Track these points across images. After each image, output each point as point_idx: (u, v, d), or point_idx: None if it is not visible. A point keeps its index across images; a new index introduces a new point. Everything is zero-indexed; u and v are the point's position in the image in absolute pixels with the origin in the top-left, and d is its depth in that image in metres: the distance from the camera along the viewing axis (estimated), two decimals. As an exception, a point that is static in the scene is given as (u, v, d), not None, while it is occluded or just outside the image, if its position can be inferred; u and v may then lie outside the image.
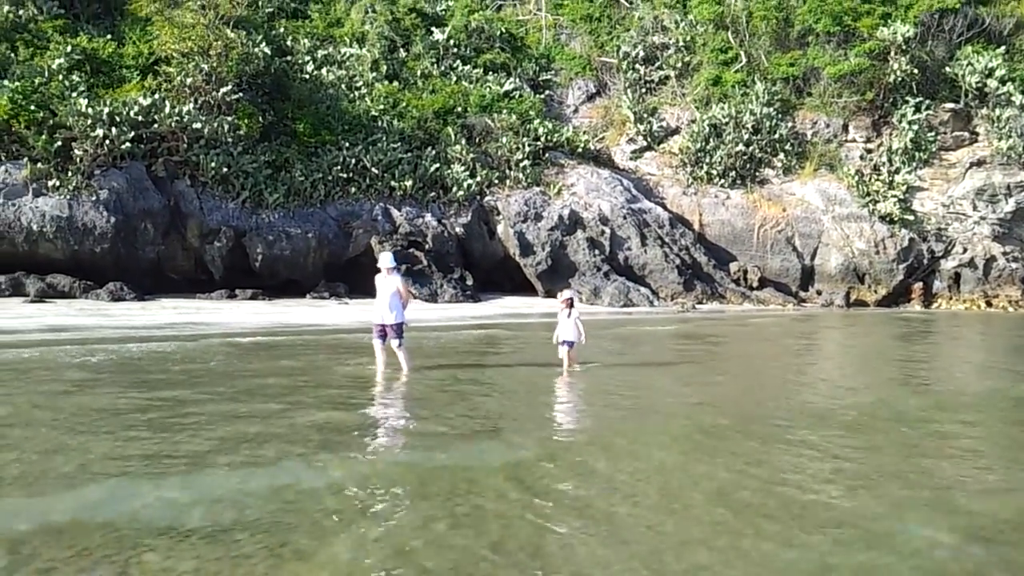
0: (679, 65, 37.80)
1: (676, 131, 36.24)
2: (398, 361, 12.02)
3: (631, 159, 35.73)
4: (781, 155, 34.95)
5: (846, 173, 34.45)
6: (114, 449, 7.28)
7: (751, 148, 34.55)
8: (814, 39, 36.93)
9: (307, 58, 31.87)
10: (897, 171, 34.51)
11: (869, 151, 35.57)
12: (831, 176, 34.87)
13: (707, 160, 34.54)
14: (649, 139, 35.95)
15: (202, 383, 10.84)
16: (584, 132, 35.26)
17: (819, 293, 33.21)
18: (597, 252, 30.32)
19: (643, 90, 37.77)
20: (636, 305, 28.66)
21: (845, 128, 36.13)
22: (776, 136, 34.93)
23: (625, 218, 31.24)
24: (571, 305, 12.61)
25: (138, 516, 5.53)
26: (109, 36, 27.97)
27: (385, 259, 12.05)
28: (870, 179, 34.45)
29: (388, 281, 11.90)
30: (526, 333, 19.85)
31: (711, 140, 34.75)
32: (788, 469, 7.20)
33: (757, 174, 34.91)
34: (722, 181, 34.37)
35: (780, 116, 35.44)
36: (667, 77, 37.90)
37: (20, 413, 8.70)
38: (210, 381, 11.05)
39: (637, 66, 37.92)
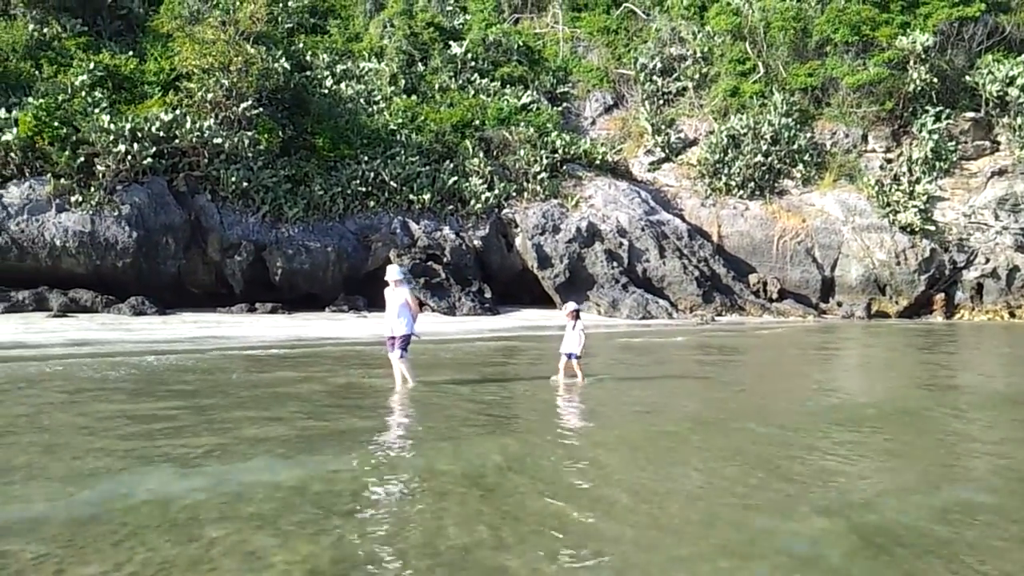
0: (696, 76, 37.84)
1: (694, 142, 36.22)
2: (403, 374, 11.77)
3: (649, 171, 35.72)
4: (800, 166, 34.85)
5: (866, 183, 34.28)
6: (146, 446, 7.76)
7: (770, 159, 34.46)
8: (832, 49, 36.85)
9: (326, 73, 32.13)
10: (918, 181, 34.31)
11: (889, 161, 35.41)
12: (851, 186, 34.70)
13: (725, 171, 34.47)
14: (667, 151, 35.95)
15: (222, 392, 11.16)
16: (602, 144, 35.28)
17: (839, 304, 33.00)
18: (615, 264, 30.28)
19: (661, 102, 37.81)
20: (655, 317, 28.57)
21: (864, 138, 35.98)
22: (795, 147, 34.83)
23: (643, 230, 31.19)
24: (576, 317, 12.52)
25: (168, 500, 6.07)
26: (131, 53, 28.34)
27: (392, 272, 11.93)
28: (890, 189, 34.26)
29: (396, 293, 11.80)
30: (543, 345, 19.82)
31: (729, 151, 34.69)
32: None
33: (776, 185, 34.80)
34: (741, 192, 34.29)
35: (799, 126, 35.34)
36: (685, 88, 37.93)
37: (46, 419, 9.02)
38: (229, 390, 11.24)
39: (654, 78, 37.97)
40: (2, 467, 6.92)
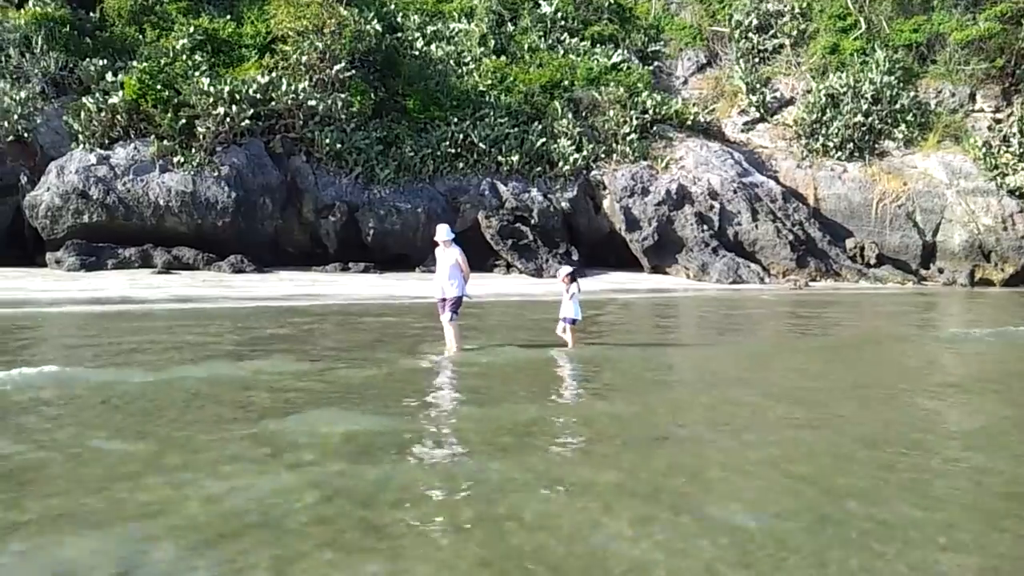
0: (794, 33, 36.56)
1: (790, 102, 35.13)
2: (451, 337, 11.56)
3: (742, 131, 34.85)
4: (902, 126, 33.47)
5: (972, 145, 32.74)
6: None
7: (870, 119, 33.19)
8: (939, 3, 35.20)
9: (417, 34, 32.21)
10: (1029, 142, 32.57)
11: (998, 121, 33.72)
12: (956, 148, 33.21)
13: (823, 132, 33.36)
14: (762, 110, 34.96)
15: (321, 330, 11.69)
16: (694, 104, 34.55)
17: (940, 271, 31.79)
18: (705, 227, 29.77)
19: (756, 60, 36.72)
20: (746, 282, 28.06)
21: (972, 97, 34.31)
22: (897, 106, 33.46)
23: (735, 192, 30.54)
24: (572, 281, 12.14)
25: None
26: (229, 16, 28.95)
27: (442, 231, 11.71)
28: (999, 151, 32.65)
29: (447, 254, 11.58)
30: (628, 309, 19.73)
31: (827, 111, 33.54)
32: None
33: (876, 146, 33.55)
34: (839, 154, 33.16)
35: (902, 85, 33.89)
36: (781, 46, 36.72)
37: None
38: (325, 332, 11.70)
39: (750, 35, 36.85)
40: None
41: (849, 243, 31.78)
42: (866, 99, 33.24)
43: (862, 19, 35.65)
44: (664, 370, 11.62)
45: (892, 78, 33.56)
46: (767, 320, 18.95)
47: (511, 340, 13.08)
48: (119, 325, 14.18)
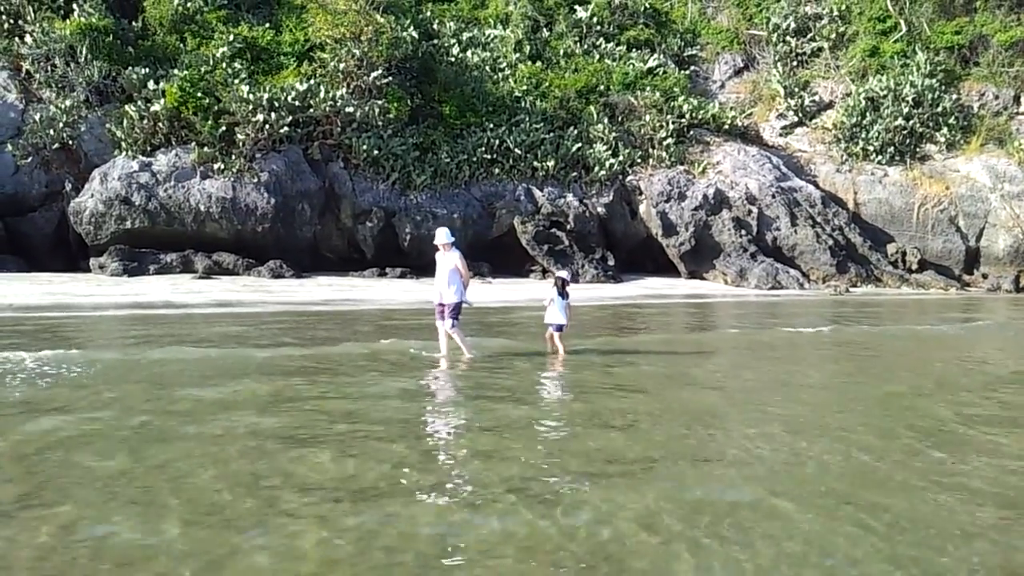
0: (833, 36, 36.14)
1: (829, 105, 34.72)
2: (458, 344, 11.27)
3: (781, 135, 34.50)
4: (944, 129, 32.92)
5: (1017, 148, 32.12)
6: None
7: (911, 122, 32.69)
8: (982, 4, 34.61)
9: (452, 41, 32.32)
10: (1077, 145, 31.89)
11: (1044, 124, 33.01)
12: (1000, 151, 32.60)
13: (863, 136, 32.91)
14: (800, 114, 34.58)
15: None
16: (731, 108, 34.26)
17: (984, 277, 31.21)
18: (743, 232, 29.50)
19: (794, 63, 36.34)
20: (785, 288, 27.76)
21: (1016, 99, 33.69)
22: (939, 109, 32.91)
23: (774, 197, 30.24)
24: (564, 286, 11.75)
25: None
26: (267, 24, 29.29)
27: (441, 235, 11.35)
28: (1045, 154, 31.97)
29: (446, 258, 11.23)
30: (663, 313, 19.59)
31: (868, 114, 33.08)
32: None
33: (918, 150, 33.03)
34: (879, 158, 32.69)
35: (944, 88, 33.35)
36: (820, 49, 36.32)
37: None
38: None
39: (788, 38, 36.48)
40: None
41: (890, 248, 31.31)
42: (907, 102, 32.74)
43: (902, 21, 35.17)
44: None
45: (934, 81, 33.04)
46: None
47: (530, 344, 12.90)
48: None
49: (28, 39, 26.39)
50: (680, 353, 12.90)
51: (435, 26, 32.98)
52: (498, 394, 9.15)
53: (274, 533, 4.73)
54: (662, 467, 6.30)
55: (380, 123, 27.18)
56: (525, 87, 30.93)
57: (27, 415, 7.46)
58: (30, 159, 25.32)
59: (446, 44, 31.99)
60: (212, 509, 5.07)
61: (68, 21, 26.51)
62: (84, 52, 25.99)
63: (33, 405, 7.91)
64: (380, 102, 27.08)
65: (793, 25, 36.49)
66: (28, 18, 27.03)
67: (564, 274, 12.24)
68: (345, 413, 7.93)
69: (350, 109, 26.52)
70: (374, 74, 27.18)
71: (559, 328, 11.77)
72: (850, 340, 15.61)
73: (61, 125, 25.35)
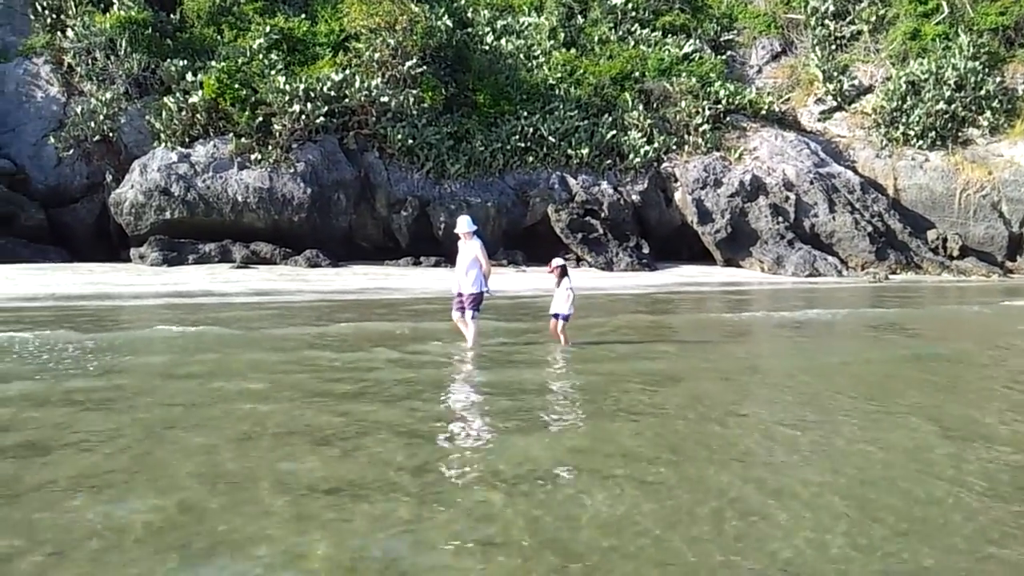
0: (872, 19, 35.46)
1: (869, 90, 34.10)
2: (471, 332, 11.13)
3: (819, 120, 33.99)
4: (988, 113, 32.20)
5: (1064, 131, 31.34)
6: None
7: (953, 106, 32.01)
8: (1029, -16, 33.63)
9: (487, 29, 32.26)
10: None
11: (1092, 107, 32.15)
12: (1046, 135, 31.81)
13: (903, 120, 32.29)
14: (839, 99, 34.03)
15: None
16: (768, 93, 33.84)
17: (1029, 263, 30.58)
18: (780, 219, 29.19)
19: (833, 47, 35.74)
20: (822, 275, 27.44)
21: (1064, 81, 32.79)
22: (982, 92, 32.17)
23: (812, 183, 29.86)
24: (564, 274, 11.29)
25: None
26: (303, 15, 29.46)
27: (462, 223, 11.15)
28: (1093, 138, 31.16)
29: (467, 247, 11.03)
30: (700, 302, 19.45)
31: (908, 98, 32.44)
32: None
33: (960, 134, 32.35)
34: (920, 142, 32.09)
35: (987, 71, 32.58)
36: (859, 32, 35.67)
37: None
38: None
39: (826, 21, 35.88)
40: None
41: (931, 235, 30.79)
42: (949, 85, 32.06)
43: (944, 2, 34.40)
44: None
45: (977, 63, 32.32)
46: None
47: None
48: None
49: (70, 33, 26.86)
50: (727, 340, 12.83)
51: (469, 14, 32.93)
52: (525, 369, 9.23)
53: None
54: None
55: (414, 112, 27.27)
56: (559, 74, 30.81)
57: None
58: (72, 151, 25.83)
59: (480, 32, 31.95)
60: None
61: (108, 15, 26.91)
62: (124, 45, 26.38)
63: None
64: (415, 91, 27.16)
65: (832, 8, 35.86)
66: (69, 12, 27.51)
67: (560, 261, 11.67)
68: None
69: (385, 99, 26.63)
70: (409, 63, 27.25)
71: (564, 317, 11.34)
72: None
73: (102, 117, 25.79)
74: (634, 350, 11.85)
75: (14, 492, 5.18)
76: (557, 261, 11.61)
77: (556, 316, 11.38)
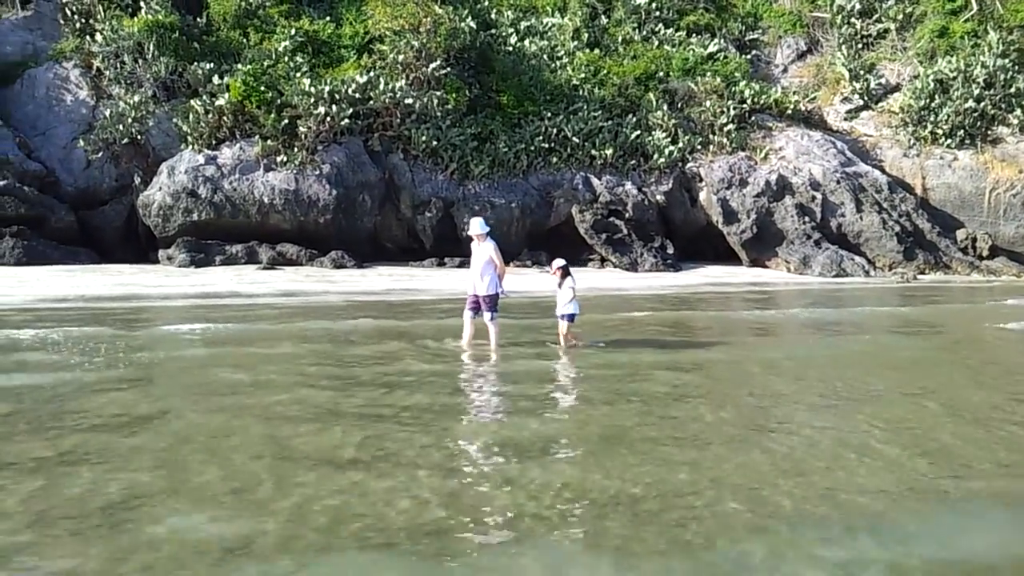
0: (900, 17, 35.11)
1: (896, 88, 33.75)
2: (487, 337, 11.23)
3: (845, 119, 33.68)
4: (1018, 111, 31.74)
5: (1096, 129, 30.84)
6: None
7: (983, 104, 31.59)
8: (1060, -20, 33.16)
9: (510, 30, 32.27)
10: None
11: (1126, 104, 31.62)
12: (1078, 133, 31.32)
13: (931, 119, 31.92)
14: (866, 98, 33.70)
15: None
16: (794, 92, 33.57)
17: (1061, 262, 30.09)
18: (807, 219, 28.95)
19: (859, 45, 35.42)
20: (850, 275, 27.19)
21: (1096, 79, 32.26)
22: (1012, 90, 31.71)
23: (838, 182, 29.59)
24: (566, 274, 11.26)
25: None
26: (328, 18, 29.64)
27: (475, 225, 11.23)
28: None
29: (481, 248, 11.09)
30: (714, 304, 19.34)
31: (936, 97, 32.06)
32: None
33: (989, 133, 31.91)
34: (948, 141, 31.69)
35: (1017, 68, 32.11)
36: (886, 30, 35.32)
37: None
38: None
39: (853, 20, 35.57)
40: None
41: (960, 234, 30.42)
42: (978, 84, 31.66)
43: (973, 0, 34.00)
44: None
45: (1007, 61, 31.88)
46: None
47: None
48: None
49: (98, 37, 27.19)
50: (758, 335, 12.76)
51: (492, 16, 32.96)
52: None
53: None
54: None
55: (439, 114, 27.33)
56: (583, 75, 30.75)
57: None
58: (101, 154, 26.14)
59: (503, 34, 31.97)
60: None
61: (136, 19, 27.20)
62: (151, 49, 26.66)
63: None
64: (439, 93, 27.22)
65: (858, 6, 35.55)
66: (98, 17, 27.85)
67: (561, 261, 11.64)
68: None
69: (409, 100, 26.72)
70: (433, 65, 27.32)
71: (570, 318, 11.34)
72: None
73: (130, 120, 26.06)
74: (659, 347, 11.80)
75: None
76: (558, 262, 11.64)
77: (562, 317, 11.42)
